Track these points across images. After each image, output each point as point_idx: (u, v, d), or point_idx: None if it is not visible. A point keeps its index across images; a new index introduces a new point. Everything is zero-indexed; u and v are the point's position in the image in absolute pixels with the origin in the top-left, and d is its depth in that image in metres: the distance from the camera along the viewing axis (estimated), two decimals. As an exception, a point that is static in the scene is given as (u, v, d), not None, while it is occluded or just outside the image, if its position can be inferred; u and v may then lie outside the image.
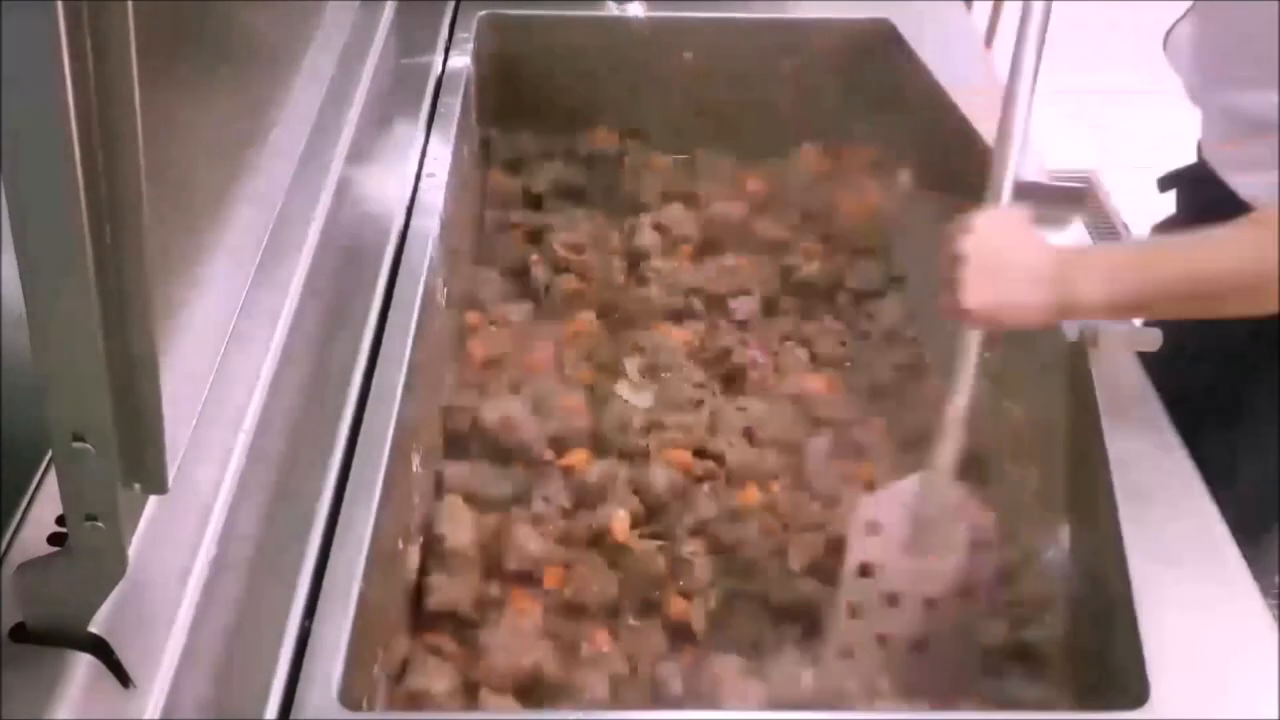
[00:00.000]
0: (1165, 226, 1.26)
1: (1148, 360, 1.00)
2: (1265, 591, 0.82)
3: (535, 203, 1.51)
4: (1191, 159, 1.21)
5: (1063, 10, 1.21)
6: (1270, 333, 1.12)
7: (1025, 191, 1.15)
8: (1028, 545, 1.02)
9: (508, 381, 1.20)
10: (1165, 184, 1.27)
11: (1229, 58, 1.06)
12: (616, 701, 0.93)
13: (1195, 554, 0.84)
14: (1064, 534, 0.96)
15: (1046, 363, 1.04)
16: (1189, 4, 1.12)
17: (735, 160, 1.54)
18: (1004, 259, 0.94)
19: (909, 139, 1.46)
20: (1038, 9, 1.00)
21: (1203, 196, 1.14)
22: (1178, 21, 1.14)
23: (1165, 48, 1.16)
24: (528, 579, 1.02)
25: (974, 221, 0.95)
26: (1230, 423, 1.14)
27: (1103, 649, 0.86)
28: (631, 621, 1.00)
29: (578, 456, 1.14)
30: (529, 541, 1.03)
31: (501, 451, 1.13)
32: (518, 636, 0.95)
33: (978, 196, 1.19)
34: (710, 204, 1.46)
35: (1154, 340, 0.99)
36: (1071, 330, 1.01)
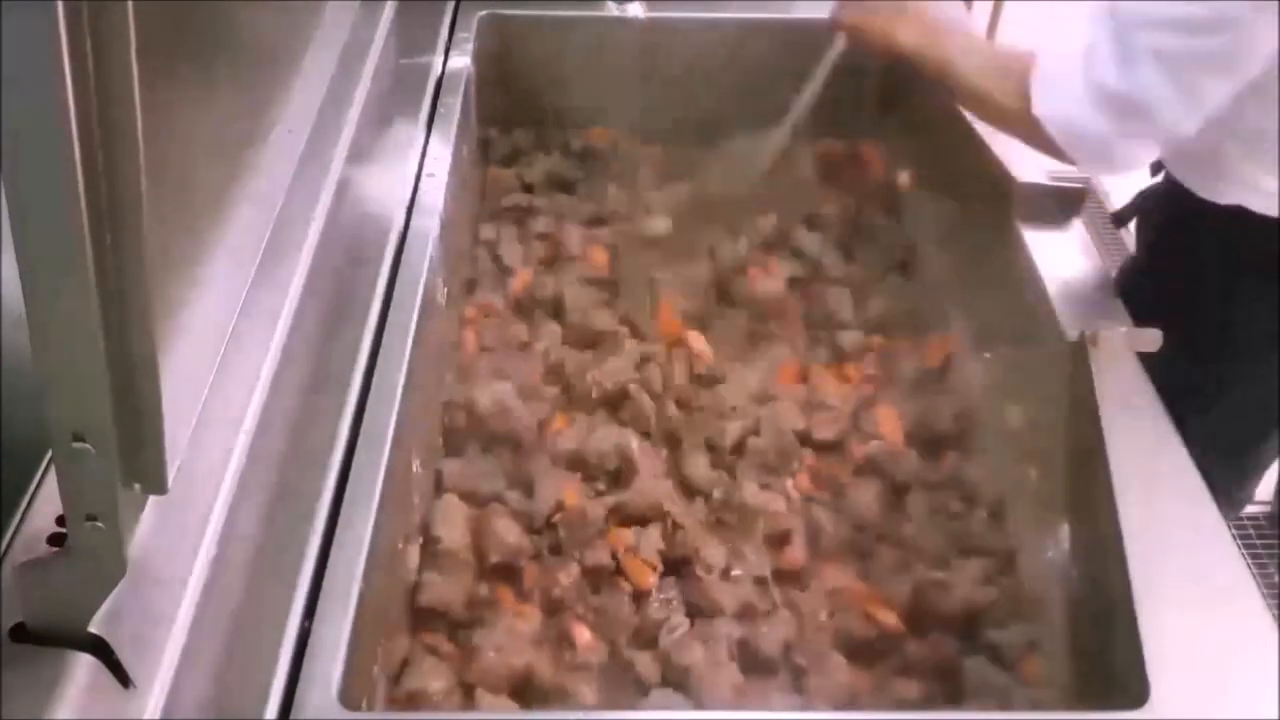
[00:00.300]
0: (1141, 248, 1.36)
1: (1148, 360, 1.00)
2: (1265, 593, 0.82)
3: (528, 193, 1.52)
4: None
5: (1064, 10, 1.21)
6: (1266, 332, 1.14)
7: (1025, 192, 1.16)
8: (1028, 544, 1.03)
9: (495, 367, 1.21)
10: (1122, 219, 1.40)
11: None
12: (612, 694, 0.93)
13: (1195, 554, 0.84)
14: (1064, 534, 0.96)
15: (1046, 363, 1.04)
16: None
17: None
18: None
19: (909, 138, 1.47)
20: None
21: (1169, 212, 1.24)
22: None
23: None
24: (512, 574, 1.02)
25: None
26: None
27: (1103, 649, 0.86)
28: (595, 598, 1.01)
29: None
30: (508, 535, 1.03)
31: (495, 438, 1.13)
32: (510, 636, 0.95)
33: (977, 194, 1.20)
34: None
35: (1154, 340, 0.99)
36: (1072, 330, 1.01)
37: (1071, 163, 1.08)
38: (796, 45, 1.44)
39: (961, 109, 1.24)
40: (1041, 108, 1.05)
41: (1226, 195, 1.14)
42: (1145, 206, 1.34)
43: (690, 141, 1.55)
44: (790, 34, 1.45)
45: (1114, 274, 1.17)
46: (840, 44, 1.32)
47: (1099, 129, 1.02)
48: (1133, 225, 1.41)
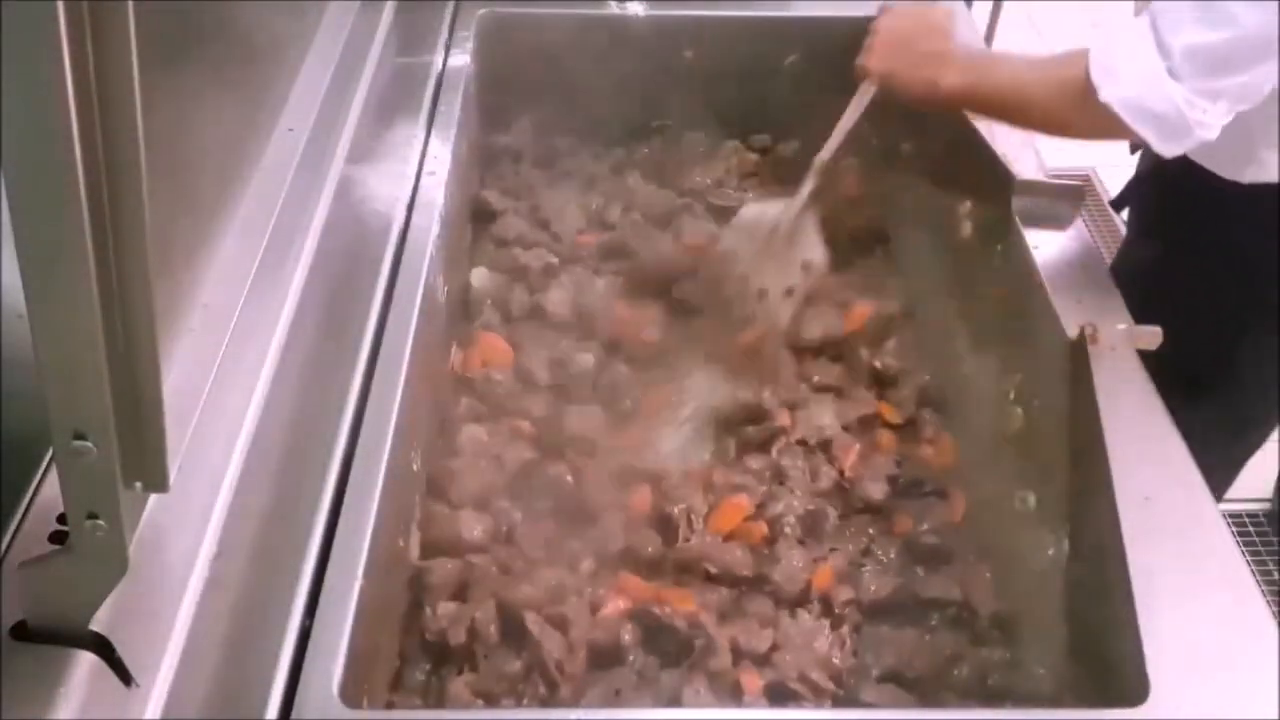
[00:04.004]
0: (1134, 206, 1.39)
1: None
2: (1265, 591, 0.83)
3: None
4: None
5: (1065, 9, 1.21)
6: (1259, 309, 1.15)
7: (1025, 189, 1.16)
8: (1028, 544, 1.03)
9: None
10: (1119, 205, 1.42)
11: None
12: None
13: (1195, 554, 0.84)
14: (1064, 533, 0.96)
15: (1047, 361, 1.04)
16: None
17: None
18: (910, 41, 1.21)
19: (909, 136, 1.46)
20: None
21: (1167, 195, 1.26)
22: None
23: None
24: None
25: (899, 7, 1.23)
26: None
27: (1103, 648, 0.86)
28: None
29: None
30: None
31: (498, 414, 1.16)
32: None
33: (977, 192, 1.19)
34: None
35: (1154, 338, 0.99)
36: (1071, 328, 1.01)
37: (1144, 143, 1.05)
38: (797, 42, 1.45)
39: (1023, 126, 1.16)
40: (1107, 93, 1.02)
41: (1249, 175, 1.14)
42: (1141, 190, 1.35)
43: (689, 139, 1.56)
44: (791, 31, 1.45)
45: (1109, 261, 1.17)
46: (869, 93, 1.23)
47: (1170, 101, 1.00)
48: (1125, 212, 1.43)
